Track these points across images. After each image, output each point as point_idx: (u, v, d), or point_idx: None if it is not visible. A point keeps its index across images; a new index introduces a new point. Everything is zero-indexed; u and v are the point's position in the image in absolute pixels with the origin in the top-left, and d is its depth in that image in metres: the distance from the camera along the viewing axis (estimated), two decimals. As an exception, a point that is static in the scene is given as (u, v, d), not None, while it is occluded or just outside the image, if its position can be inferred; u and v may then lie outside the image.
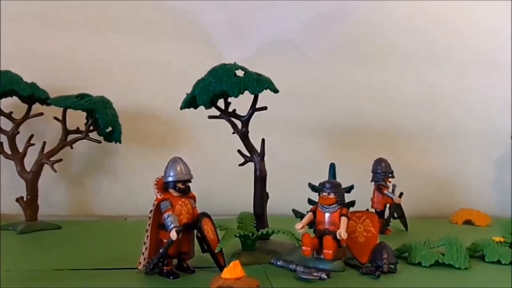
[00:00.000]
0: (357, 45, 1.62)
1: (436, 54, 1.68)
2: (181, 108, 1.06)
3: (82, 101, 1.23)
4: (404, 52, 1.66)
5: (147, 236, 0.83)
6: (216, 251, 0.84)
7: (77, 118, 1.29)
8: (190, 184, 0.86)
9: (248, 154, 1.07)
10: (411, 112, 1.66)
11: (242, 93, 0.96)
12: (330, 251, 0.85)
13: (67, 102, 1.22)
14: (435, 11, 1.67)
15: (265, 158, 1.06)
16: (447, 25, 1.69)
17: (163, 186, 0.85)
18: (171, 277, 0.81)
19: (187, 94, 1.04)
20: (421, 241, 0.98)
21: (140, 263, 0.83)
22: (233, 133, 1.07)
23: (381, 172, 1.30)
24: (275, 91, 1.02)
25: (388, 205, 1.31)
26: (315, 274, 0.82)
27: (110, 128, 1.29)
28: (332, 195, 0.90)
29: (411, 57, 1.66)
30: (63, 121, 1.27)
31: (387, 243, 0.92)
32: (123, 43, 1.45)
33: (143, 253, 0.83)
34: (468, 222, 1.47)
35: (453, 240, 0.96)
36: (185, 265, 0.85)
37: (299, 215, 0.99)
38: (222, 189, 1.44)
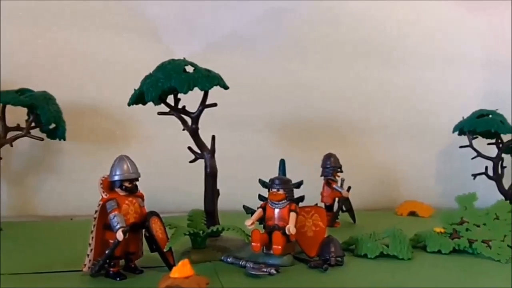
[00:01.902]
0: (306, 41, 1.64)
1: (383, 51, 1.74)
2: (129, 104, 1.03)
3: (22, 97, 1.18)
4: (352, 48, 1.70)
5: (92, 237, 0.80)
6: (165, 250, 0.83)
7: (17, 115, 1.23)
8: (137, 182, 0.85)
9: (199, 151, 1.06)
10: (358, 107, 1.71)
11: (192, 90, 0.95)
12: (279, 247, 0.86)
13: (6, 98, 1.16)
14: (386, 8, 1.72)
15: (216, 155, 1.06)
16: (396, 23, 1.75)
17: (109, 185, 0.82)
18: (118, 278, 0.79)
19: (135, 90, 1.02)
20: (367, 234, 1.02)
21: (85, 265, 0.80)
22: (183, 129, 1.05)
23: (330, 167, 1.34)
24: (225, 87, 1.02)
25: (337, 199, 1.34)
26: (264, 270, 0.82)
27: (53, 125, 1.24)
28: (281, 191, 0.91)
29: (358, 53, 1.71)
30: (2, 117, 1.22)
31: (334, 237, 0.95)
32: (66, 36, 1.40)
33: (88, 255, 0.80)
34: (412, 214, 1.54)
35: (397, 232, 1.00)
36: (132, 266, 0.84)
37: (250, 211, 0.99)
38: (173, 186, 1.42)
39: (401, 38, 1.75)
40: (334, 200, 1.34)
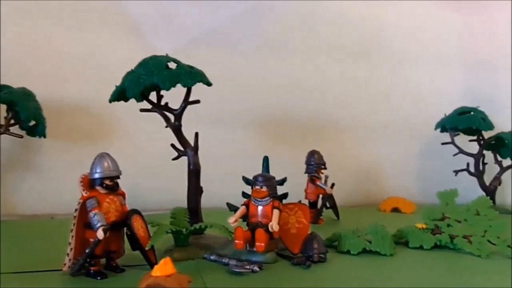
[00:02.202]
0: (289, 39, 1.64)
1: (362, 49, 1.75)
2: (110, 101, 1.01)
3: (1, 93, 1.15)
4: (334, 47, 1.71)
5: (72, 236, 0.79)
6: (146, 248, 0.82)
7: (-4, 111, 1.21)
8: (119, 180, 0.84)
9: (182, 148, 1.05)
10: (341, 105, 1.72)
11: (174, 86, 0.94)
12: (262, 244, 0.86)
13: (-16, 94, 1.14)
14: (367, 8, 1.73)
15: (199, 152, 1.05)
16: (377, 22, 1.76)
17: (90, 183, 0.81)
18: (99, 278, 0.78)
19: (116, 86, 1.00)
20: (350, 230, 1.02)
21: (65, 264, 0.79)
22: (166, 126, 1.04)
23: (314, 164, 1.34)
24: (208, 84, 1.01)
25: (320, 196, 1.35)
26: (247, 267, 0.82)
27: (33, 122, 1.22)
28: (264, 188, 0.91)
29: (341, 52, 1.71)
30: (-20, 114, 1.19)
31: (317, 234, 0.95)
32: (46, 33, 1.37)
33: (68, 254, 0.79)
34: (395, 210, 1.55)
35: (379, 228, 1.01)
36: (114, 264, 0.83)
37: (233, 209, 0.99)
38: (156, 184, 1.41)
39: (383, 37, 1.76)
40: (318, 197, 1.35)
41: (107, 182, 0.80)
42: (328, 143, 1.58)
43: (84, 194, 0.79)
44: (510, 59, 1.84)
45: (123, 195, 0.84)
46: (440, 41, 1.83)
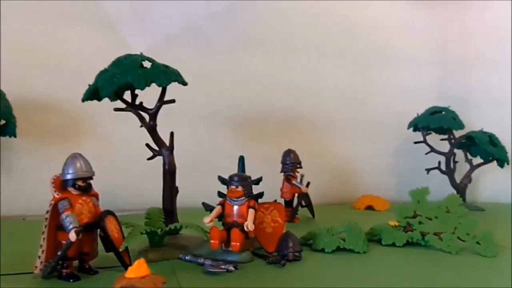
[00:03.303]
0: (264, 37, 1.65)
1: (337, 47, 1.76)
2: (83, 100, 1.00)
3: (-32, 92, 1.12)
4: (308, 44, 1.72)
5: (44, 238, 0.78)
6: (120, 250, 0.81)
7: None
8: (94, 180, 0.83)
9: (157, 148, 1.04)
10: (317, 104, 1.73)
11: (149, 86, 0.93)
12: (238, 243, 0.87)
13: (-49, 93, 1.10)
14: (342, 7, 1.75)
15: (175, 151, 1.04)
16: (352, 22, 1.78)
17: (62, 184, 0.80)
18: (71, 280, 0.77)
19: (89, 85, 0.99)
20: (324, 229, 1.03)
21: (36, 267, 0.77)
22: (141, 126, 1.03)
23: (290, 163, 1.35)
24: (184, 83, 1.00)
25: (296, 195, 1.36)
26: (223, 267, 0.82)
27: (3, 121, 1.18)
28: (240, 188, 0.92)
29: (315, 50, 1.73)
30: None
31: (292, 232, 0.96)
32: (18, 28, 1.33)
33: (39, 257, 0.77)
34: (369, 208, 1.58)
35: (353, 226, 1.02)
36: (87, 266, 0.82)
37: (209, 208, 0.99)
38: (131, 184, 1.39)
39: (359, 37, 1.78)
40: (293, 196, 1.36)
41: (80, 183, 0.79)
42: (303, 142, 1.59)
43: (56, 196, 0.78)
44: (481, 59, 1.88)
45: (96, 196, 0.83)
46: (414, 41, 1.87)
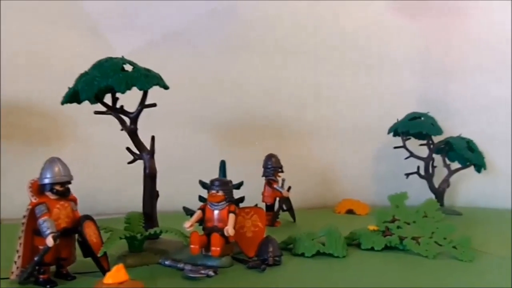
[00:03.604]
0: (247, 41, 1.65)
1: (321, 53, 1.78)
2: (62, 103, 0.98)
3: None
4: (293, 49, 1.73)
5: (20, 243, 0.77)
6: (99, 255, 0.80)
7: None
8: (74, 184, 0.82)
9: (138, 152, 1.04)
10: (298, 108, 1.74)
11: (130, 89, 0.93)
12: (218, 248, 0.87)
13: None
14: (325, 12, 1.77)
15: (157, 155, 1.04)
16: (334, 27, 1.79)
17: (39, 188, 0.79)
18: (48, 286, 0.77)
19: (69, 88, 0.98)
20: (304, 233, 1.04)
21: (12, 272, 0.76)
22: (122, 130, 1.03)
23: (271, 167, 1.35)
24: (165, 87, 1.00)
25: (277, 199, 1.36)
26: (202, 272, 0.82)
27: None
28: (220, 193, 0.91)
29: (297, 55, 1.74)
30: None
31: (272, 237, 0.96)
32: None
33: (15, 262, 0.76)
34: (350, 212, 1.59)
35: (332, 230, 1.03)
36: (64, 272, 0.81)
37: (190, 213, 0.99)
38: (111, 188, 1.38)
39: (341, 43, 1.80)
40: (275, 200, 1.36)
41: (58, 187, 0.78)
42: (286, 147, 1.60)
43: (33, 200, 0.77)
44: (462, 66, 1.92)
45: (74, 200, 0.82)
46: (396, 47, 1.89)
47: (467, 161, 1.68)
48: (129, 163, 1.04)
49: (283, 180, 1.36)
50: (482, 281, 0.88)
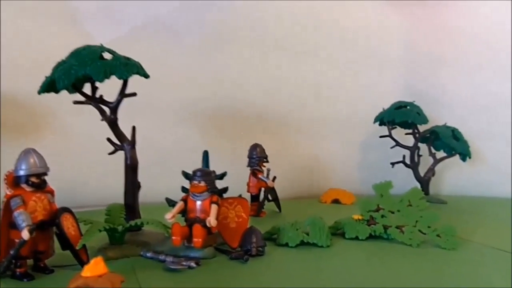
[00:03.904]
0: (231, 32, 1.63)
1: (306, 45, 1.76)
2: (39, 92, 0.96)
3: None
4: (277, 42, 1.71)
5: (-4, 237, 0.75)
6: (77, 248, 0.79)
7: None
8: (52, 177, 0.80)
9: (118, 142, 1.02)
10: (283, 99, 1.73)
11: (108, 78, 0.90)
12: (200, 239, 0.86)
13: None
14: (310, 6, 1.75)
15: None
16: (321, 20, 1.78)
17: (14, 180, 0.76)
18: (25, 279, 0.75)
19: (46, 77, 0.95)
20: (289, 223, 1.03)
21: (-12, 266, 0.74)
22: (102, 120, 1.00)
23: (256, 157, 1.34)
24: (146, 76, 0.98)
25: (263, 189, 1.35)
26: (184, 264, 0.81)
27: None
28: (202, 183, 0.90)
29: (284, 46, 1.72)
30: None
31: (256, 227, 0.95)
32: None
33: (-9, 256, 0.74)
34: (336, 201, 1.59)
35: (317, 220, 1.03)
36: (42, 265, 0.79)
37: (172, 204, 0.97)
38: (92, 179, 1.35)
39: (327, 35, 1.79)
40: (260, 190, 1.35)
41: (33, 179, 0.76)
42: (270, 137, 1.59)
43: (8, 193, 0.75)
44: (448, 58, 1.92)
45: (51, 192, 0.80)
46: (382, 38, 1.88)
47: (452, 150, 1.69)
48: (110, 154, 1.02)
49: (268, 170, 1.35)
50: (465, 269, 0.89)
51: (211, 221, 0.86)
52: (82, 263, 0.78)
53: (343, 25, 1.81)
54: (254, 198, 1.35)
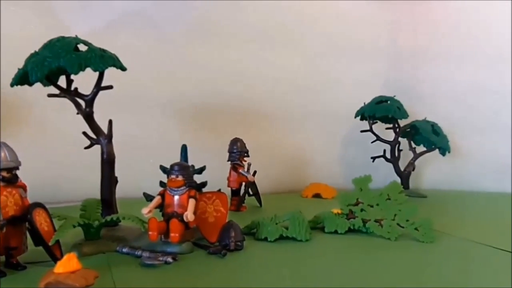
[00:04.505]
0: (212, 24, 1.61)
1: (288, 38, 1.75)
2: (11, 85, 0.93)
3: None
4: (261, 34, 1.70)
5: (-34, 233, 0.72)
6: (50, 243, 0.77)
7: None
8: (21, 171, 0.77)
9: (94, 136, 1.00)
10: (263, 93, 1.72)
11: (83, 70, 0.89)
12: (177, 234, 0.85)
13: None
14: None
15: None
16: (300, 11, 1.77)
17: (-16, 175, 0.74)
18: (-4, 276, 0.73)
19: (18, 69, 0.92)
20: (268, 218, 1.03)
21: (-42, 263, 0.72)
22: (77, 113, 0.98)
23: (237, 152, 1.33)
24: (122, 68, 0.96)
25: (243, 184, 1.35)
26: (161, 259, 0.80)
27: None
28: (180, 178, 0.89)
29: (265, 39, 1.71)
30: None
31: (234, 222, 0.94)
32: None
33: (-39, 252, 0.72)
34: (317, 196, 1.59)
35: (296, 214, 1.02)
36: (14, 262, 0.77)
37: (150, 199, 0.96)
38: (69, 174, 1.33)
39: (310, 28, 1.78)
40: (240, 185, 1.35)
41: (4, 174, 0.74)
42: (251, 131, 1.58)
43: (-22, 188, 0.73)
44: (430, 52, 1.93)
45: (23, 187, 0.78)
46: (364, 32, 1.88)
47: (432, 144, 1.71)
48: (86, 148, 1.00)
49: (249, 165, 1.34)
50: (442, 262, 0.89)
51: (188, 215, 0.85)
52: (56, 259, 0.76)
53: (325, 18, 1.81)
54: (235, 192, 1.34)
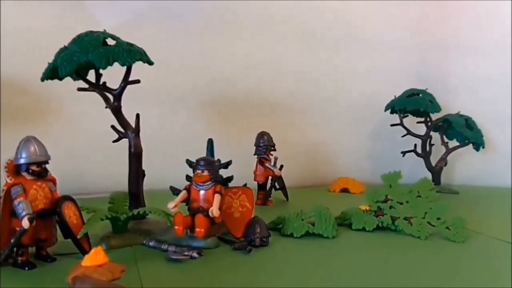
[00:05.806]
0: (238, 16, 1.59)
1: (315, 30, 1.72)
2: (42, 79, 0.95)
3: None
4: (283, 26, 1.67)
5: (-3, 225, 0.74)
6: (78, 236, 0.78)
7: None
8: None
9: (122, 130, 1.01)
10: (291, 86, 1.69)
11: (111, 65, 0.89)
12: (202, 229, 0.85)
13: None
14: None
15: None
16: (324, 3, 1.73)
17: (15, 169, 0.76)
18: (26, 268, 0.75)
19: (48, 64, 0.94)
20: (294, 213, 1.01)
21: (-10, 254, 0.74)
22: (106, 107, 0.99)
23: (263, 146, 1.32)
24: (149, 63, 0.96)
25: (270, 178, 1.34)
26: (186, 253, 0.80)
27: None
28: (206, 173, 0.89)
29: (289, 31, 1.68)
30: None
31: (260, 217, 0.94)
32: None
33: (-7, 244, 0.74)
34: (344, 190, 1.57)
35: (323, 210, 1.01)
36: (44, 254, 0.79)
37: (177, 192, 0.97)
38: (97, 166, 1.35)
39: (337, 20, 1.74)
40: (267, 179, 1.34)
41: (34, 168, 0.75)
42: (278, 125, 1.57)
43: (9, 181, 0.75)
44: (460, 44, 1.86)
45: (53, 181, 0.80)
46: (393, 23, 1.83)
47: (466, 139, 1.65)
48: (114, 141, 1.01)
49: (276, 159, 1.33)
50: (473, 263, 0.86)
51: (214, 211, 0.85)
52: (84, 251, 0.78)
53: (353, 8, 1.76)
54: (261, 187, 1.33)
